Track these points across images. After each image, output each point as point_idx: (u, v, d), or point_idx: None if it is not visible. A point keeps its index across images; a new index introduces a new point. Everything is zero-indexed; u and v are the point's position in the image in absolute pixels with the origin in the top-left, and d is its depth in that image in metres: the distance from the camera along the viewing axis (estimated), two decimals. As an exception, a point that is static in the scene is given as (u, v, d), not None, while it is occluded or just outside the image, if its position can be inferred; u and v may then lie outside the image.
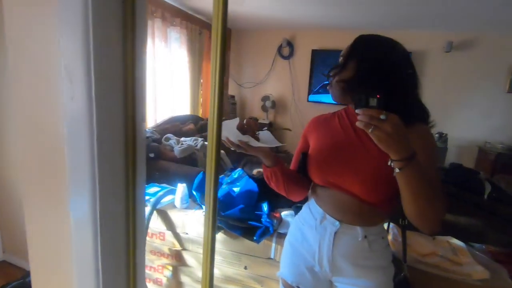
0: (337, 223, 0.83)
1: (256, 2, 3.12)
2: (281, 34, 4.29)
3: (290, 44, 4.30)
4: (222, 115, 0.51)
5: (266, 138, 0.86)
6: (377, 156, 0.77)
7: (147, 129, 2.78)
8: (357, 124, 0.65)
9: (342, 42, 1.02)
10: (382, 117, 0.63)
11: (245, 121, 0.85)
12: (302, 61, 4.26)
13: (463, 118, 3.85)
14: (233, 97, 4.66)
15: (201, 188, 1.47)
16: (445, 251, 1.23)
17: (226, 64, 4.55)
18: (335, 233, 0.83)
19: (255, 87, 4.63)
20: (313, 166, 0.88)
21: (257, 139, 0.84)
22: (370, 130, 0.63)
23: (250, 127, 0.84)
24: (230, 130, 0.80)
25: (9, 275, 1.95)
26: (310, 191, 0.95)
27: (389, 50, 0.80)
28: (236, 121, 0.82)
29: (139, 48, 0.58)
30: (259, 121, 4.50)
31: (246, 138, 0.80)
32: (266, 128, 0.98)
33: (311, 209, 0.90)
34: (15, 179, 2.03)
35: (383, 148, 0.65)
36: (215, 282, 1.44)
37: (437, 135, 3.70)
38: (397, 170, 0.67)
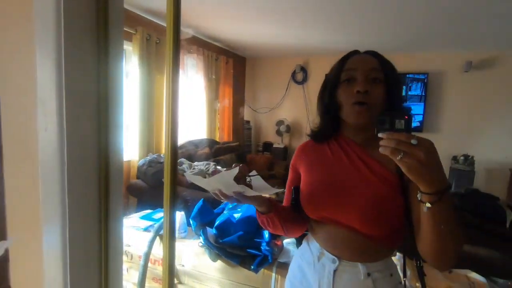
0: (336, 260, 0.75)
1: (268, 31, 3.25)
2: (294, 61, 4.39)
3: (303, 69, 4.38)
4: (176, 136, 0.52)
5: (259, 185, 0.79)
6: (377, 185, 0.72)
7: (161, 155, 2.87)
8: (381, 150, 0.56)
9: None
10: (413, 142, 0.53)
11: (234, 165, 0.80)
12: (316, 86, 4.26)
13: (490, 139, 3.62)
14: (248, 122, 4.74)
15: (199, 216, 1.46)
16: (462, 286, 1.10)
17: (241, 90, 4.69)
18: (334, 271, 0.75)
19: (270, 112, 4.70)
20: (306, 201, 0.80)
21: (250, 186, 0.76)
22: (398, 158, 0.54)
23: (241, 174, 0.76)
24: (226, 182, 0.72)
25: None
26: (308, 225, 0.88)
27: (395, 68, 0.79)
28: (233, 172, 0.72)
29: (115, 81, 0.62)
30: (274, 145, 4.50)
31: (241, 188, 0.72)
32: (256, 173, 0.90)
33: (309, 245, 0.83)
34: None
35: (413, 179, 0.55)
36: (215, 313, 1.38)
37: (462, 158, 3.49)
38: (428, 205, 0.57)
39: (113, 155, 0.63)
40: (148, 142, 2.91)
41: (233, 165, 0.80)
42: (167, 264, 0.52)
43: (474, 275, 1.17)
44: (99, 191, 0.63)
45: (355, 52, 0.78)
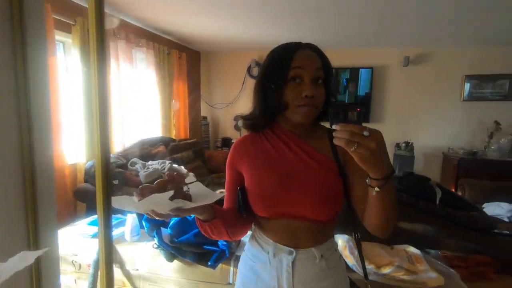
0: (293, 251, 0.77)
1: (222, 25, 3.21)
2: (249, 55, 4.41)
3: (258, 64, 4.41)
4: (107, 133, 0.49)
5: (199, 193, 0.70)
6: (321, 172, 0.76)
7: (112, 155, 2.69)
8: (335, 141, 0.57)
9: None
10: (365, 133, 0.56)
11: (166, 175, 0.67)
12: (271, 80, 4.36)
13: (426, 127, 4.03)
14: (205, 118, 4.66)
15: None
16: (401, 260, 1.23)
17: (196, 85, 4.58)
18: (293, 262, 0.77)
19: (227, 107, 4.67)
20: (256, 201, 0.77)
21: (189, 197, 0.67)
22: (353, 149, 0.56)
23: (177, 185, 0.66)
24: (159, 202, 0.63)
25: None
26: (253, 224, 0.86)
27: (331, 65, 0.80)
28: (167, 194, 0.63)
29: (37, 76, 0.56)
30: (232, 141, 4.50)
31: (181, 203, 0.64)
32: (194, 179, 0.77)
33: (260, 244, 0.82)
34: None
35: (364, 167, 0.59)
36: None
37: (404, 144, 3.84)
38: (376, 189, 0.61)
39: (40, 156, 0.57)
40: (96, 142, 2.71)
41: (166, 173, 0.68)
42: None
43: (411, 249, 1.31)
44: (24, 198, 0.57)
45: (299, 46, 0.76)
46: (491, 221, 1.51)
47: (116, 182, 2.44)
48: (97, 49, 0.44)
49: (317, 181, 0.75)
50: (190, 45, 4.26)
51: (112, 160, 2.55)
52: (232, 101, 4.62)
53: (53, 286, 0.61)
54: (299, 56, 0.73)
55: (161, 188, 0.64)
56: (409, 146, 3.80)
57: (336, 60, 4.13)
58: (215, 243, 1.27)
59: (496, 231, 1.52)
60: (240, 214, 0.80)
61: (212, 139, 4.81)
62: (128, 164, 2.68)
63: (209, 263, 1.22)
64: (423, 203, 1.41)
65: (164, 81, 3.64)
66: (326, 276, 0.78)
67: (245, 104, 4.91)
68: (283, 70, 0.72)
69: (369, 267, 1.18)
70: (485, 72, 3.73)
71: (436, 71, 3.90)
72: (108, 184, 0.48)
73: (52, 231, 0.61)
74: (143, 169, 2.65)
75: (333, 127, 0.58)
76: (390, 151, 3.99)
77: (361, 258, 0.91)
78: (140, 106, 3.28)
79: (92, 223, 1.55)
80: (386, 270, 1.16)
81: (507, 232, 1.64)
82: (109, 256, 0.48)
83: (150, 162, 2.82)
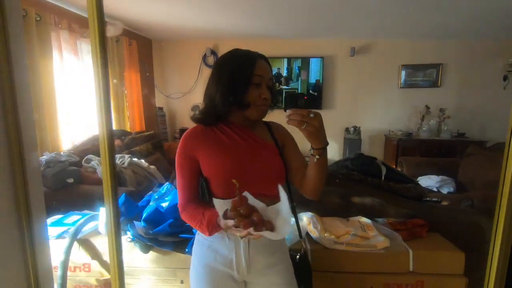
0: None
1: (175, 11, 3.11)
2: (204, 44, 4.34)
3: (214, 53, 4.38)
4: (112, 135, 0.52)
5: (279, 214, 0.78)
6: (269, 155, 0.93)
7: (62, 153, 2.50)
8: (289, 122, 0.77)
9: (264, 49, 1.08)
10: (311, 115, 0.76)
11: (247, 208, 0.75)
12: (228, 69, 4.37)
13: (370, 112, 4.46)
14: (161, 108, 4.52)
15: (124, 212, 1.39)
16: (356, 229, 1.42)
17: (149, 75, 4.38)
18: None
19: (183, 97, 4.57)
20: (219, 185, 0.87)
21: (272, 227, 0.74)
22: (303, 127, 0.76)
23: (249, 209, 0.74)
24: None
25: None
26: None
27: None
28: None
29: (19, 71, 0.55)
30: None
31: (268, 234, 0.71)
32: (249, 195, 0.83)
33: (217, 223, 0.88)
34: None
35: (310, 140, 0.81)
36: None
37: (352, 129, 4.20)
38: (317, 157, 0.84)
39: (28, 151, 0.56)
40: (42, 139, 2.49)
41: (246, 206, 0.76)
42: (115, 264, 0.53)
43: (363, 219, 1.52)
44: (15, 195, 0.55)
45: (257, 56, 0.90)
46: (423, 191, 1.81)
47: (71, 180, 2.30)
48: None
49: (267, 163, 0.91)
50: (140, 32, 4.05)
51: (62, 159, 2.38)
52: (188, 91, 4.54)
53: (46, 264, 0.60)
54: (259, 66, 0.88)
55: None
56: (356, 130, 4.18)
57: (289, 49, 4.31)
58: (190, 231, 1.33)
59: (427, 199, 1.83)
60: (205, 200, 0.90)
61: (170, 130, 4.69)
62: (83, 161, 2.53)
63: (186, 250, 1.28)
64: (371, 179, 1.64)
65: (114, 71, 3.43)
66: (277, 244, 0.93)
67: (202, 94, 4.83)
68: (247, 76, 0.86)
69: (331, 237, 1.35)
70: (418, 62, 4.23)
71: (378, 61, 4.30)
72: (113, 178, 0.51)
73: (42, 219, 0.60)
74: (100, 165, 2.53)
75: (287, 111, 0.77)
76: (340, 135, 4.34)
77: (296, 221, 1.10)
78: (89, 99, 3.06)
79: (55, 224, 1.48)
80: (344, 239, 1.34)
81: (435, 199, 1.97)
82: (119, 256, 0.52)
83: (106, 158, 2.68)
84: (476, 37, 4.00)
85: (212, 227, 0.82)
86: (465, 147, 3.22)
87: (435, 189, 2.82)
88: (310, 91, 4.38)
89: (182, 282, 1.36)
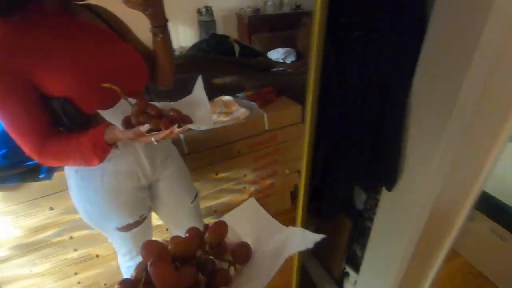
0: None
1: None
2: None
3: None
4: None
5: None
6: (124, 48, 0.77)
7: None
8: (129, 6, 0.66)
9: None
10: None
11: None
12: None
13: (219, -12, 4.18)
14: None
15: None
16: (220, 107, 1.55)
17: None
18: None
19: None
20: (91, 98, 0.67)
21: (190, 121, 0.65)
22: (148, 11, 0.70)
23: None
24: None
25: None
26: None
27: None
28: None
29: None
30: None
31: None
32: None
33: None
34: None
35: (152, 19, 0.74)
36: (18, 242, 1.24)
37: (204, 9, 3.94)
38: (161, 35, 0.77)
39: None
40: None
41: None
42: None
43: (225, 97, 1.64)
44: None
45: None
46: (271, 62, 2.05)
47: None
48: None
49: (126, 55, 0.76)
50: None
51: None
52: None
53: None
54: None
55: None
56: (209, 10, 3.95)
57: None
58: (37, 156, 1.11)
59: (274, 69, 2.10)
60: (69, 128, 0.69)
61: None
62: None
63: (41, 176, 1.10)
64: (227, 58, 1.69)
65: None
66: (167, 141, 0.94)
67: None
68: None
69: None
70: None
71: None
72: None
73: None
74: None
75: None
76: (193, 18, 4.05)
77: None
78: None
79: None
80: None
81: (281, 69, 2.29)
82: None
83: None
84: None
85: (102, 149, 0.66)
86: (301, 18, 3.64)
87: (281, 60, 3.24)
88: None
89: (51, 209, 1.23)
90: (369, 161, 0.83)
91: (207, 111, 0.66)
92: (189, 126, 0.62)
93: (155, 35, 0.78)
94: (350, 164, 0.85)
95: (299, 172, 0.84)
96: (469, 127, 0.63)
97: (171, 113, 0.62)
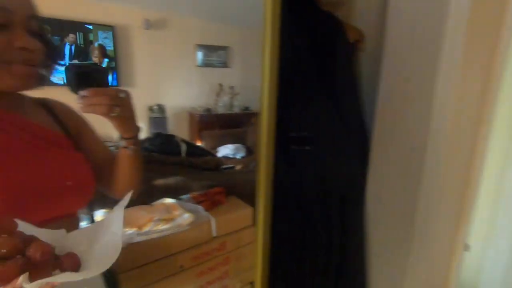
0: None
1: None
2: None
3: None
4: None
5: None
6: (57, 149, 0.60)
7: None
8: (87, 111, 0.52)
9: None
10: (123, 95, 0.55)
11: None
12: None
13: (173, 89, 4.46)
14: None
15: None
16: (160, 213, 1.35)
17: None
18: None
19: None
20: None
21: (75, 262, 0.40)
22: (113, 114, 0.53)
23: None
24: None
25: None
26: None
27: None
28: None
29: None
30: None
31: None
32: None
33: None
34: None
35: (121, 129, 0.60)
36: None
37: (156, 107, 4.05)
38: (132, 147, 0.63)
39: None
40: None
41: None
42: None
43: (168, 200, 1.47)
44: None
45: None
46: (220, 160, 2.01)
47: None
48: None
49: (73, 175, 0.59)
50: None
51: None
52: None
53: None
54: None
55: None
56: (161, 108, 4.08)
57: (68, 11, 3.41)
58: None
59: (224, 167, 2.05)
60: None
61: None
62: None
63: None
64: (172, 158, 1.60)
65: None
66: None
67: None
68: None
69: (131, 231, 1.20)
70: (210, 43, 4.59)
71: (174, 38, 4.28)
72: None
73: None
74: None
75: (80, 93, 0.52)
76: (145, 115, 4.10)
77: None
78: None
79: None
80: (147, 228, 1.23)
81: (231, 166, 2.26)
82: None
83: None
84: (256, 24, 4.84)
85: None
86: (250, 118, 3.93)
87: (231, 156, 3.28)
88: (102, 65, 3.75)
89: None
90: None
91: (113, 245, 0.44)
92: (55, 278, 0.35)
93: (124, 147, 0.63)
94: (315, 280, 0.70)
95: (252, 284, 0.66)
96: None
97: (31, 253, 0.36)
